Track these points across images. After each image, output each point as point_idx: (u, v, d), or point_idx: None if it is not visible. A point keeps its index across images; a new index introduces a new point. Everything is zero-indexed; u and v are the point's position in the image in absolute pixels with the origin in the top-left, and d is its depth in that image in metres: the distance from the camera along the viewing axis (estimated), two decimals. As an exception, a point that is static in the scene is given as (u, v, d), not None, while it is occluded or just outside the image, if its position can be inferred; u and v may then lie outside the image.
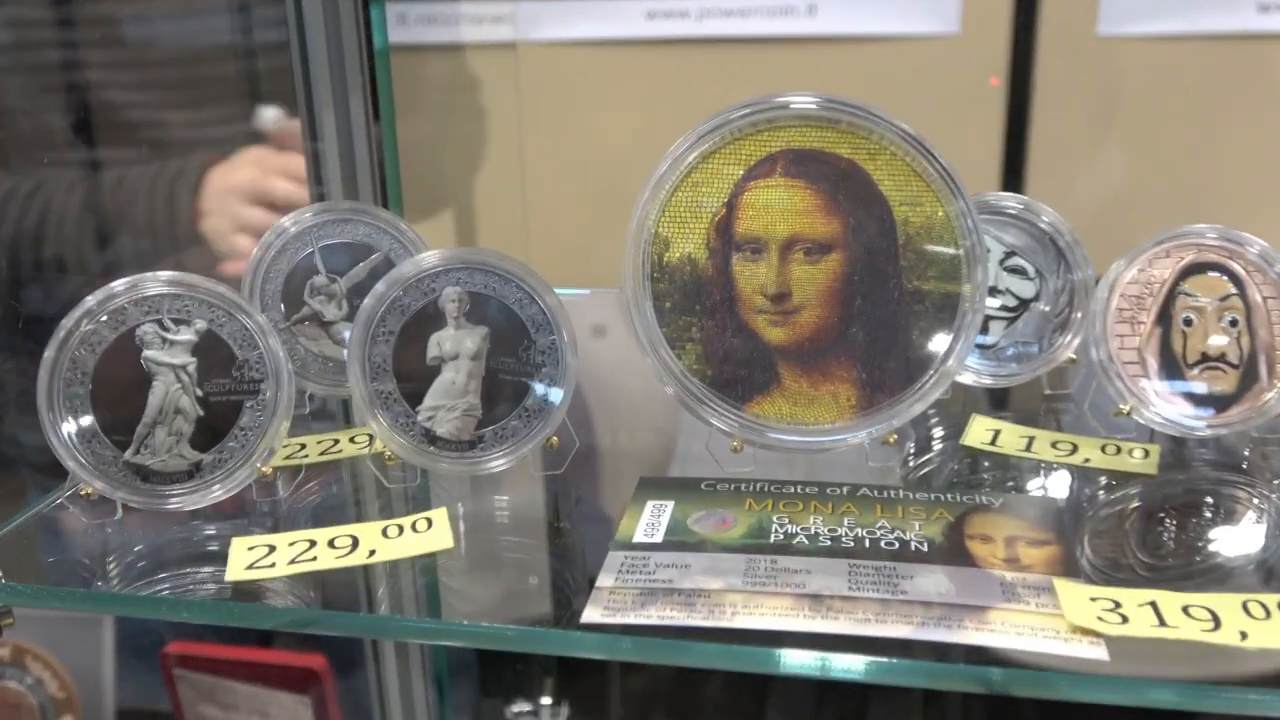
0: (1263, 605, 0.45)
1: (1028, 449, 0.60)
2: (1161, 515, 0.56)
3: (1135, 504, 0.56)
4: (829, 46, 1.41)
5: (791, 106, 0.56)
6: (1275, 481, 0.58)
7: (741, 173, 0.57)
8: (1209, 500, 0.57)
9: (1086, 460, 0.58)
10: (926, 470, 0.60)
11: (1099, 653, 0.43)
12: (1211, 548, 0.53)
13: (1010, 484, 0.58)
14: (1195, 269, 0.59)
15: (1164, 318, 0.59)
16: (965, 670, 0.44)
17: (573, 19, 1.26)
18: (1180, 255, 0.59)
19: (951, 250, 0.56)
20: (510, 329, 0.56)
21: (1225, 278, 0.59)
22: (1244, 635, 0.44)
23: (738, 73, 1.35)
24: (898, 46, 1.43)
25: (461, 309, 0.56)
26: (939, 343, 0.56)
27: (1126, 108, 1.35)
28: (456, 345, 0.56)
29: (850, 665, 0.43)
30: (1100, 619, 0.44)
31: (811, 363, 0.56)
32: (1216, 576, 0.50)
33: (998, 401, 0.67)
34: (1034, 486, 0.58)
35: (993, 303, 0.64)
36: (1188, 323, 0.59)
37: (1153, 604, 0.45)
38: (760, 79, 1.36)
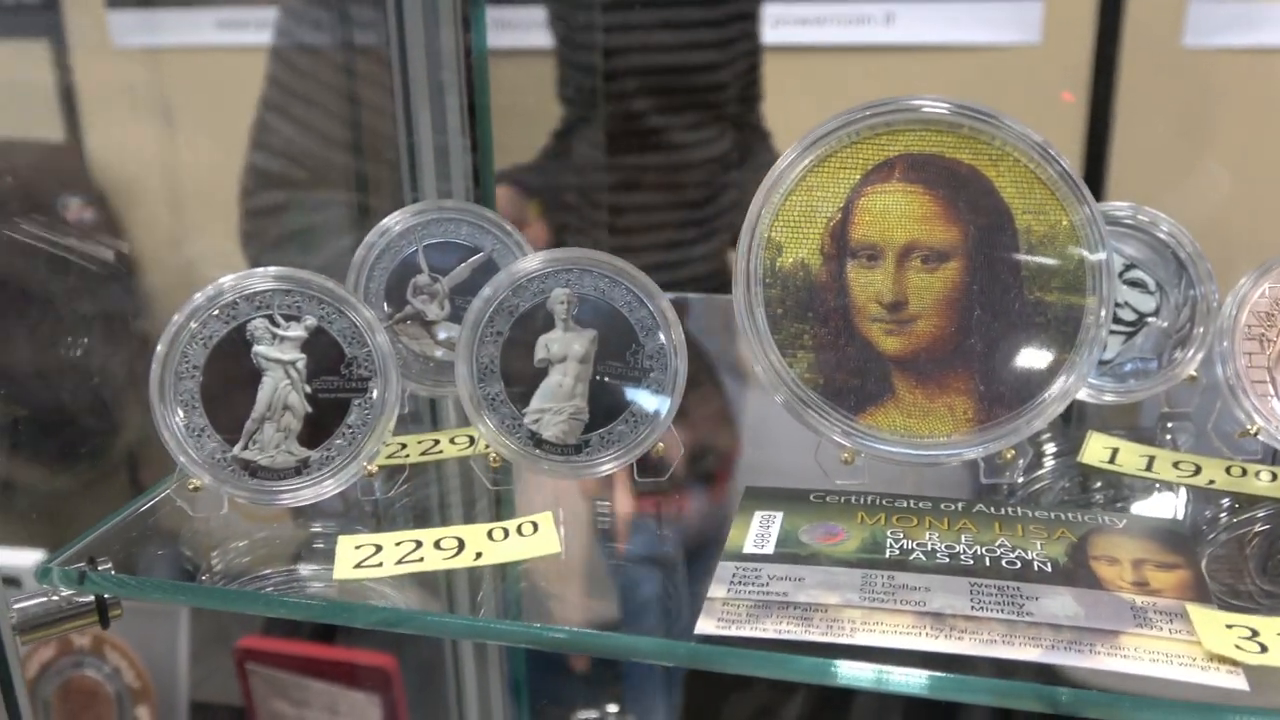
0: None
1: (1148, 469, 0.58)
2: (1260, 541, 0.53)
3: (1263, 528, 0.54)
4: (905, 55, 1.40)
5: (917, 109, 0.55)
6: None
7: (858, 177, 0.55)
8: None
9: (1211, 482, 0.56)
10: (1039, 487, 0.59)
11: (1238, 682, 0.41)
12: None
13: (1127, 504, 0.56)
14: (1329, 285, 0.57)
15: (1295, 335, 0.57)
16: (1033, 689, 0.42)
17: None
18: (1313, 271, 0.57)
19: (1076, 260, 0.54)
20: (619, 332, 0.55)
21: (1361, 294, 0.56)
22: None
23: (814, 81, 1.34)
24: (978, 56, 1.40)
25: (570, 311, 0.55)
26: (1061, 357, 0.54)
27: (1211, 120, 1.31)
28: (564, 348, 0.55)
29: (910, 679, 0.42)
30: (1239, 647, 0.43)
31: (927, 374, 0.55)
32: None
33: (1112, 419, 0.65)
34: (1156, 508, 0.56)
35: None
36: (1321, 341, 0.56)
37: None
38: (836, 88, 1.34)
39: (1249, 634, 0.44)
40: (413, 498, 0.60)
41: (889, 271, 0.55)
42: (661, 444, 0.56)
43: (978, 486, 0.57)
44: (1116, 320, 0.62)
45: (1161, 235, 0.62)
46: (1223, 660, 0.42)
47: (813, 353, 0.55)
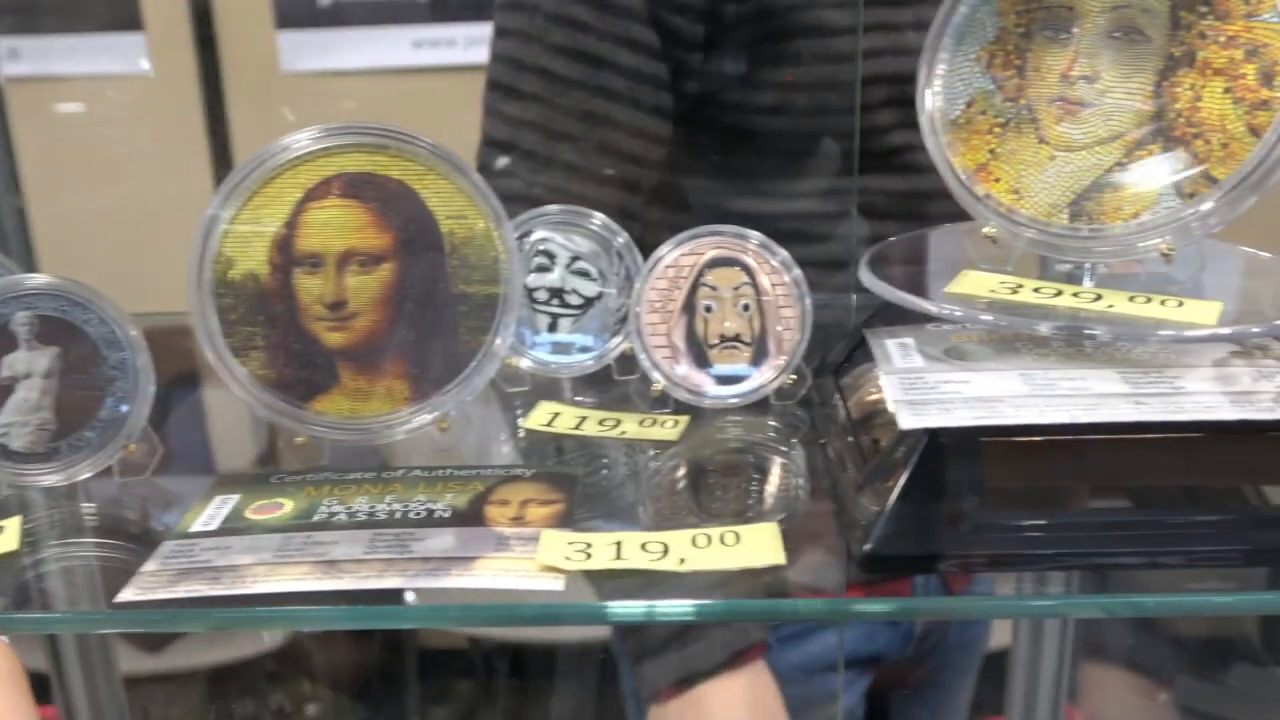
0: (707, 536, 0.54)
1: (578, 427, 0.68)
2: (683, 475, 0.64)
3: (653, 465, 0.65)
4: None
5: (350, 132, 0.63)
6: (793, 440, 0.67)
7: (301, 195, 0.63)
8: (722, 458, 0.66)
9: (624, 432, 0.67)
10: (496, 452, 0.68)
11: (556, 585, 0.51)
12: (718, 494, 0.62)
13: (560, 460, 0.66)
14: (715, 262, 0.68)
15: (689, 306, 0.68)
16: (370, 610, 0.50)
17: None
18: (702, 251, 0.68)
19: (492, 258, 0.64)
20: (82, 348, 0.61)
21: (739, 269, 0.68)
22: (682, 560, 0.52)
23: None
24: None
25: (32, 331, 0.60)
26: (481, 339, 0.63)
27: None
28: (29, 365, 0.60)
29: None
30: (567, 558, 0.52)
31: (368, 362, 0.63)
32: (712, 515, 0.59)
33: (583, 390, 0.75)
34: (571, 459, 0.66)
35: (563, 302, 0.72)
36: (708, 309, 0.68)
37: (617, 543, 0.53)
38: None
39: (584, 546, 0.53)
40: None
41: (330, 276, 0.63)
42: (134, 445, 0.62)
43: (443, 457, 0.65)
44: (565, 305, 0.73)
45: (595, 228, 0.72)
46: (550, 569, 0.52)
47: (264, 352, 0.62)
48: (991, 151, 0.61)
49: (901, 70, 0.89)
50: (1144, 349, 0.54)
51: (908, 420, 0.49)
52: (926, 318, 0.59)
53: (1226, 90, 0.57)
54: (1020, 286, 0.57)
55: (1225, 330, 0.52)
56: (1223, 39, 0.57)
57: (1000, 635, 1.12)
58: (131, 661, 1.83)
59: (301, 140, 0.62)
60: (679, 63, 0.90)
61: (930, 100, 0.63)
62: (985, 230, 0.59)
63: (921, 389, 0.51)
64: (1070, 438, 0.49)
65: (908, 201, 0.93)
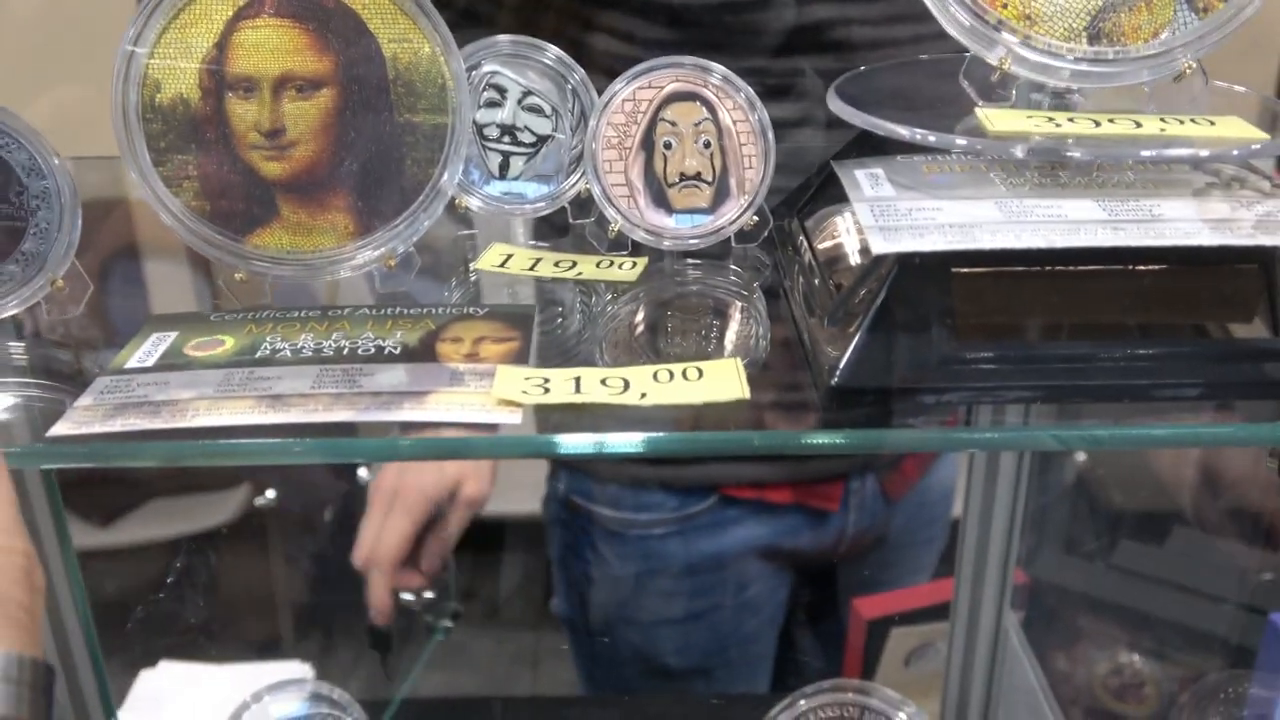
0: (670, 372, 0.52)
1: (533, 269, 0.65)
2: (640, 320, 0.62)
3: (612, 306, 0.63)
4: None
5: (274, -52, 0.58)
6: (755, 283, 0.65)
7: (231, 13, 0.59)
8: (682, 300, 0.64)
9: (580, 274, 0.64)
10: (447, 292, 0.65)
11: (513, 418, 0.49)
12: (677, 335, 0.60)
13: (509, 298, 0.64)
14: (674, 97, 0.65)
15: (647, 143, 0.65)
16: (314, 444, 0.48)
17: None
18: (661, 84, 0.65)
19: (439, 84, 0.60)
20: (1, 176, 0.57)
21: (699, 104, 0.65)
22: (643, 395, 0.50)
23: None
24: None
25: (-54, 157, 0.56)
26: (429, 171, 0.60)
27: None
28: (-57, 193, 0.56)
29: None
30: (525, 392, 0.50)
31: (309, 194, 0.60)
32: (673, 353, 0.57)
33: (544, 234, 0.72)
34: (526, 297, 0.64)
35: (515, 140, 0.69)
36: (668, 146, 0.65)
37: (576, 379, 0.52)
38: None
39: (541, 382, 0.51)
40: None
41: (265, 102, 0.59)
42: (60, 281, 0.58)
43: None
44: (517, 142, 0.69)
45: (549, 63, 0.69)
46: (507, 403, 0.50)
47: (198, 182, 0.59)
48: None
49: None
50: (1120, 177, 0.52)
51: (880, 245, 0.47)
52: (895, 151, 0.57)
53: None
54: (1051, 119, 0.53)
55: (1204, 153, 0.50)
56: None
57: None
58: (80, 536, 1.81)
59: (227, -47, 0.58)
60: None
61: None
62: (1002, 61, 0.54)
63: (894, 215, 0.49)
64: (1045, 267, 0.47)
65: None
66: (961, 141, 0.50)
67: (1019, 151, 0.49)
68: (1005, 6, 0.56)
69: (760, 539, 1.06)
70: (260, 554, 1.73)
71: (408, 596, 0.99)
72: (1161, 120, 0.54)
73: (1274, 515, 1.04)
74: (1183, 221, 0.48)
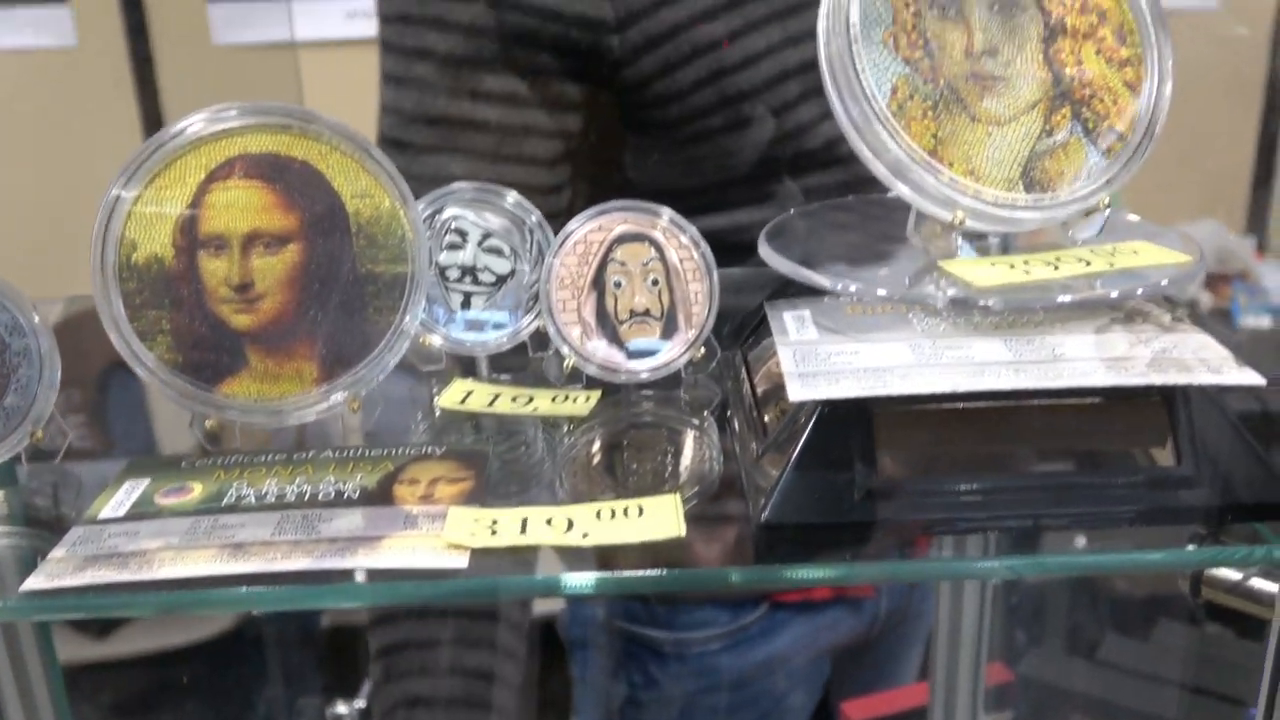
0: (611, 510, 0.55)
1: (491, 404, 0.68)
2: (596, 451, 0.65)
3: (566, 439, 0.66)
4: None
5: (251, 112, 0.63)
6: (704, 411, 0.68)
7: (204, 175, 0.63)
8: (632, 434, 0.67)
9: (536, 409, 0.67)
10: (410, 431, 0.68)
11: (459, 561, 0.52)
12: (627, 469, 0.63)
13: (468, 437, 0.67)
14: (624, 238, 0.69)
15: (599, 282, 0.69)
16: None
17: None
18: (610, 227, 0.69)
19: (399, 236, 0.64)
20: (-16, 335, 0.61)
21: (648, 244, 0.69)
22: (585, 535, 0.53)
23: None
24: (18, 59, 1.66)
25: (-68, 320, 0.60)
26: (390, 318, 0.64)
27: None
28: (-71, 354, 0.60)
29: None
30: (473, 534, 0.53)
31: (276, 344, 0.63)
32: (626, 486, 0.60)
33: (503, 367, 0.75)
34: (487, 427, 0.67)
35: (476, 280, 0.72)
36: (618, 285, 0.68)
37: (524, 519, 0.54)
38: None
39: (490, 523, 0.54)
40: None
41: (235, 258, 0.63)
42: (40, 433, 0.61)
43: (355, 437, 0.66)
44: (478, 282, 0.73)
45: (509, 206, 0.73)
46: (456, 546, 0.52)
47: (170, 336, 0.62)
48: (935, 136, 0.61)
49: (807, 58, 0.89)
50: (1030, 316, 0.55)
51: (798, 392, 0.50)
52: (825, 291, 0.60)
53: (1098, 52, 0.59)
54: (1014, 266, 0.57)
55: (1113, 294, 0.53)
56: (1077, 5, 0.59)
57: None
58: (76, 648, 1.83)
59: (199, 121, 0.62)
60: (591, 80, 0.89)
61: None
62: (956, 218, 0.57)
63: (814, 360, 0.53)
64: (955, 406, 0.50)
65: (850, 191, 0.93)
66: (881, 292, 0.53)
67: (936, 301, 0.52)
68: (952, 165, 0.60)
69: (806, 637, 1.08)
70: (257, 663, 1.74)
71: None
72: (1092, 255, 0.58)
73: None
74: (1081, 361, 0.51)
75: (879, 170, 0.58)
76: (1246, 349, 0.52)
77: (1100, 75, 0.59)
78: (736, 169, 0.93)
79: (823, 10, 0.58)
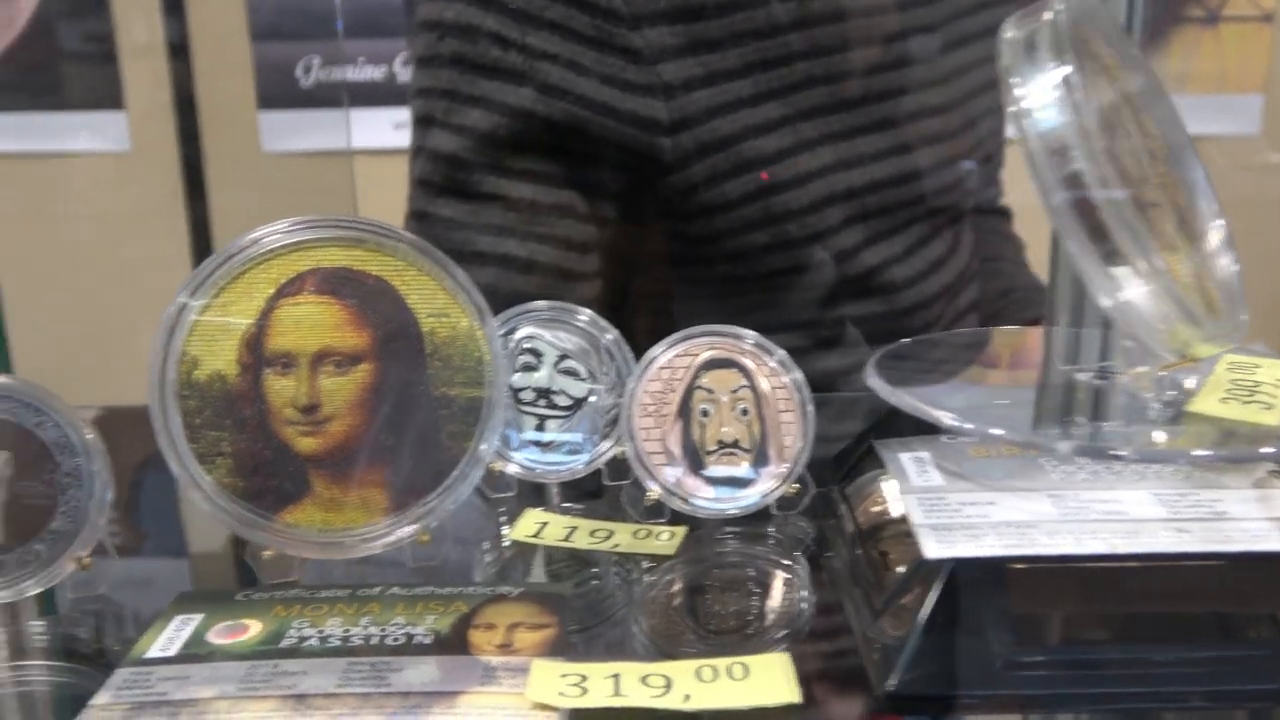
0: (713, 669, 0.50)
1: (568, 539, 0.63)
2: (680, 592, 0.60)
3: (650, 582, 0.60)
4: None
5: (326, 225, 0.59)
6: (795, 552, 0.63)
7: (273, 290, 0.59)
8: (719, 574, 0.62)
9: (617, 545, 0.62)
10: (476, 568, 0.63)
11: (548, 724, 0.46)
12: (719, 615, 0.57)
13: (555, 573, 0.62)
14: (711, 364, 0.65)
15: (684, 410, 0.64)
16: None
17: None
18: (696, 352, 0.65)
19: (475, 359, 0.60)
20: (33, 454, 0.56)
21: (737, 370, 0.65)
22: (687, 697, 0.48)
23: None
24: (60, 164, 1.68)
25: (-20, 436, 0.56)
26: (465, 444, 0.59)
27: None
28: (-25, 473, 0.56)
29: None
30: (561, 694, 0.48)
31: (342, 470, 0.59)
32: (718, 642, 0.54)
33: (576, 495, 0.71)
34: (561, 574, 0.62)
35: (551, 403, 0.68)
36: (705, 414, 0.64)
37: (615, 676, 0.49)
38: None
39: (578, 679, 0.49)
40: None
41: (303, 377, 0.59)
42: (87, 559, 0.57)
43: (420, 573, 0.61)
44: (553, 406, 0.69)
45: (583, 324, 0.69)
46: (543, 707, 0.47)
47: (231, 459, 0.58)
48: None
49: (854, 184, 0.86)
50: (1175, 467, 0.50)
51: (934, 549, 0.45)
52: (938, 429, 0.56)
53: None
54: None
55: (1270, 449, 0.48)
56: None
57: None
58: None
59: (274, 233, 0.59)
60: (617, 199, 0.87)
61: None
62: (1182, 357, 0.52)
63: (945, 511, 0.48)
64: (1106, 566, 0.45)
65: (890, 321, 0.90)
66: (999, 433, 0.49)
67: (1064, 448, 0.48)
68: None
69: None
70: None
71: None
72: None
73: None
74: (1248, 521, 0.46)
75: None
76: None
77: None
78: (774, 291, 0.89)
79: None
